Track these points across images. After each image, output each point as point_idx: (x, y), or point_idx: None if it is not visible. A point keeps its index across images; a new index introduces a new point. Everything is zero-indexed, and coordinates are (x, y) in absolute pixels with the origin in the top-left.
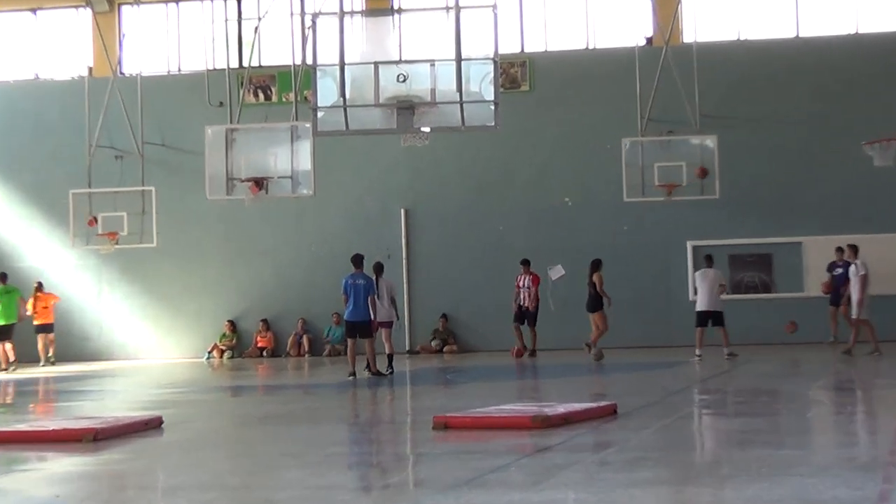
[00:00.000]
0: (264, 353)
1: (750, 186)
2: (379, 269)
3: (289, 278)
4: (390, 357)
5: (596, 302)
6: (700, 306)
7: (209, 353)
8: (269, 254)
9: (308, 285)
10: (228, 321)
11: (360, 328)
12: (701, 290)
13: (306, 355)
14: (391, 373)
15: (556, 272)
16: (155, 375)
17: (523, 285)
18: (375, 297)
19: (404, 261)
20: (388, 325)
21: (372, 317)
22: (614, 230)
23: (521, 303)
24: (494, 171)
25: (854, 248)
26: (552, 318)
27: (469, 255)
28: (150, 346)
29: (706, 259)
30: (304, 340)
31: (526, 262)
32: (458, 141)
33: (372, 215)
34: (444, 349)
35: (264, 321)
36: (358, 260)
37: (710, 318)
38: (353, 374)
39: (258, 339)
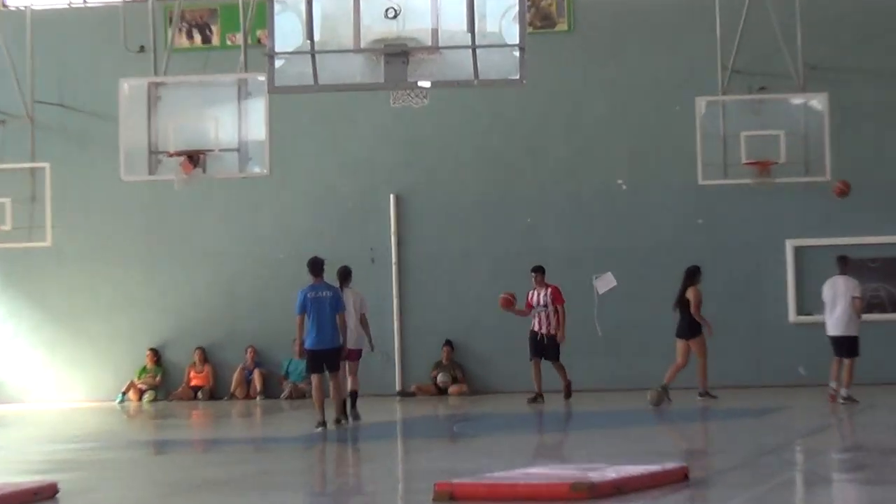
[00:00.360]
0: (199, 395)
1: (873, 165)
2: (345, 276)
3: (235, 292)
4: (354, 396)
5: (692, 325)
6: (831, 329)
7: (124, 393)
8: (209, 257)
9: (261, 302)
10: (151, 350)
11: (329, 358)
12: (831, 307)
13: (258, 397)
14: (357, 419)
15: (606, 283)
16: (49, 425)
17: (538, 304)
18: (345, 314)
19: (394, 266)
20: (358, 354)
21: (342, 341)
22: (685, 224)
23: (537, 328)
24: (519, 143)
25: None
26: (599, 346)
27: (484, 259)
28: (43, 384)
29: (839, 263)
30: (256, 377)
31: (539, 271)
32: (469, 101)
33: (350, 204)
34: (450, 389)
35: (200, 350)
36: (317, 266)
37: (844, 346)
38: (324, 423)
39: (191, 375)
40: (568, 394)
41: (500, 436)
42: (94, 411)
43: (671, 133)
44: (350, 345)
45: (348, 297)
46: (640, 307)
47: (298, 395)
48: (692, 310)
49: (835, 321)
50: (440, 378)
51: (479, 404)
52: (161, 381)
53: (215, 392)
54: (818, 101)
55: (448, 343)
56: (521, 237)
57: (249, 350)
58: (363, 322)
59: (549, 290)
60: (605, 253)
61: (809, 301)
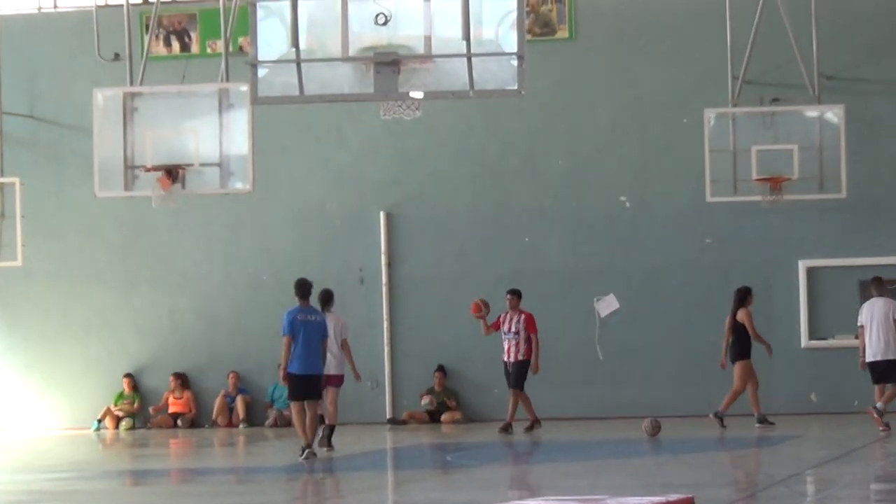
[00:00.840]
0: (179, 422)
1: (892, 181)
2: (327, 299)
3: (216, 314)
4: (332, 430)
5: (741, 349)
6: (871, 355)
7: (99, 421)
8: (188, 278)
9: (243, 325)
10: (127, 376)
11: (314, 385)
12: (871, 331)
13: (241, 425)
14: (330, 450)
15: (608, 305)
16: (22, 454)
17: (509, 330)
18: (327, 341)
19: (384, 287)
20: (340, 381)
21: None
22: (692, 244)
23: (506, 357)
24: (517, 157)
25: None
26: (600, 371)
27: (480, 281)
28: (13, 411)
29: (874, 284)
30: (238, 404)
31: (515, 294)
32: (464, 113)
33: (338, 222)
34: (443, 417)
35: (176, 377)
36: (305, 289)
37: (887, 371)
38: (311, 450)
39: (170, 401)
40: (531, 427)
41: (497, 466)
42: (68, 439)
43: (678, 147)
44: (332, 370)
45: (330, 321)
46: (644, 331)
47: (284, 422)
48: (750, 332)
49: (877, 344)
50: (423, 403)
51: (473, 433)
52: (139, 408)
53: (196, 419)
54: (834, 114)
55: (440, 369)
56: (519, 257)
57: (231, 376)
58: (345, 348)
59: (524, 316)
60: (607, 274)
61: (823, 325)
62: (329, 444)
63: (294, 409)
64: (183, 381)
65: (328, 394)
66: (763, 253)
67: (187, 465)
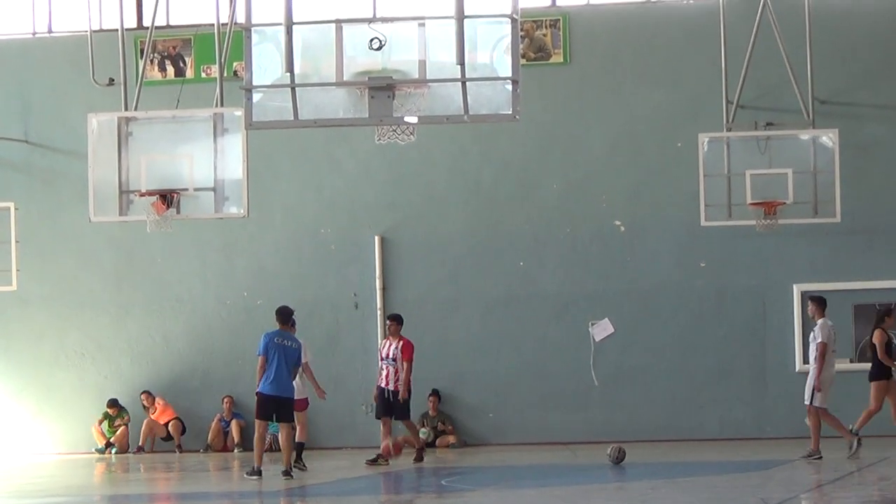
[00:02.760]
0: (170, 428)
1: (887, 205)
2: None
3: (211, 338)
4: (301, 447)
5: (879, 369)
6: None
7: (109, 444)
8: (183, 302)
9: (238, 349)
10: (111, 402)
11: (283, 407)
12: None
13: (236, 449)
14: (303, 470)
15: (603, 330)
16: (13, 479)
17: (387, 356)
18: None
19: (378, 312)
20: (305, 404)
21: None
22: (687, 268)
23: (384, 384)
24: (512, 181)
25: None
26: (595, 396)
27: (474, 305)
28: (7, 435)
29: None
30: (233, 428)
31: (395, 320)
32: (458, 137)
33: (332, 246)
34: (437, 441)
35: (148, 394)
36: (287, 315)
37: None
38: (259, 472)
39: (152, 415)
40: (419, 457)
41: (491, 490)
42: (63, 463)
43: (672, 171)
44: (297, 395)
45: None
46: (639, 355)
47: (279, 447)
48: (878, 353)
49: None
50: (422, 433)
51: (468, 457)
52: (125, 433)
53: (185, 441)
54: (829, 138)
55: (435, 393)
56: (513, 281)
57: (226, 400)
58: (307, 370)
59: (402, 343)
60: (601, 298)
61: None
62: (299, 461)
63: (259, 429)
64: (149, 395)
65: (296, 418)
66: (757, 277)
67: (182, 490)
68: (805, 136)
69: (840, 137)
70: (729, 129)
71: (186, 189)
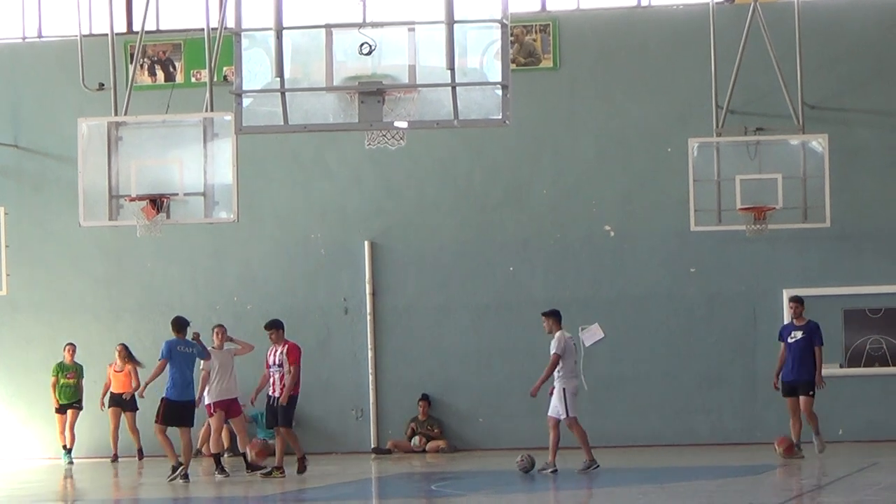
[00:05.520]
0: (124, 405)
1: (876, 210)
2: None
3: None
4: (218, 457)
5: None
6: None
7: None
8: (173, 307)
9: None
10: (69, 344)
11: (186, 411)
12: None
13: (225, 454)
14: (225, 475)
15: (592, 335)
16: (3, 485)
17: (274, 363)
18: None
19: (368, 317)
20: (238, 410)
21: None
22: (677, 273)
23: (272, 391)
24: (502, 186)
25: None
26: (586, 401)
27: (464, 310)
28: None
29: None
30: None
31: (273, 327)
32: (448, 142)
33: (322, 252)
34: (428, 446)
35: (125, 347)
36: (182, 325)
37: None
38: (180, 466)
39: (111, 375)
40: (301, 468)
41: (481, 495)
42: (52, 469)
43: (662, 176)
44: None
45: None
46: (629, 360)
47: (269, 451)
48: None
49: None
50: (413, 442)
51: (458, 462)
52: (80, 384)
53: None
54: (818, 143)
55: (425, 398)
56: (503, 287)
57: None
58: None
59: (287, 347)
60: (591, 303)
61: None
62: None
63: (159, 430)
64: (128, 353)
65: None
66: (747, 282)
67: (173, 496)
68: (795, 141)
69: (829, 143)
70: (719, 135)
71: (176, 194)
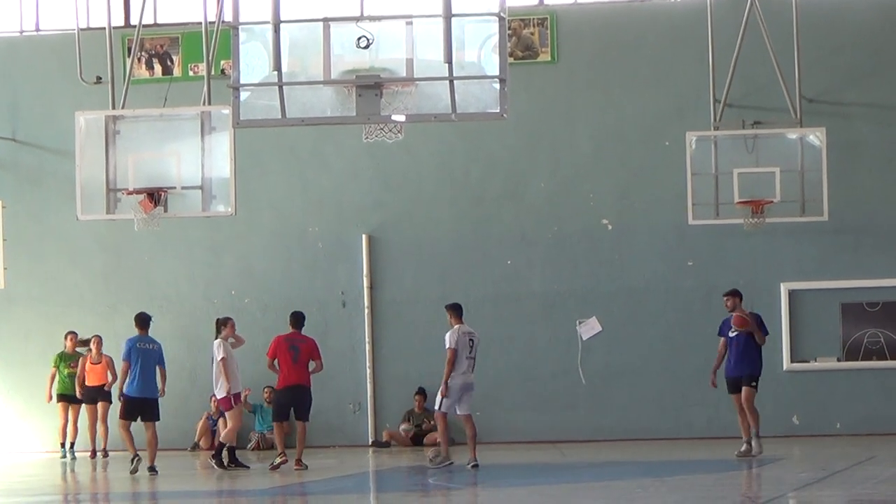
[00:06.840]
0: (99, 399)
1: (874, 204)
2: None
3: (198, 337)
4: (221, 448)
5: None
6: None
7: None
8: (171, 301)
9: None
10: (70, 333)
11: (149, 407)
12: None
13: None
14: (219, 467)
15: (590, 328)
16: (1, 478)
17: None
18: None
19: (366, 311)
20: (229, 403)
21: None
22: (674, 267)
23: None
24: (500, 180)
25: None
26: (583, 394)
27: (461, 303)
28: None
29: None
30: (221, 426)
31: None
32: (446, 136)
33: (320, 245)
34: (425, 439)
35: (100, 339)
36: (145, 321)
37: None
38: (138, 457)
39: (87, 368)
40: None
41: (478, 488)
42: (50, 463)
43: (660, 170)
44: (218, 394)
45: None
46: (626, 353)
47: (267, 445)
48: None
49: None
50: (403, 428)
51: (455, 455)
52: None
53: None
54: (816, 137)
55: (421, 391)
56: (501, 280)
57: (214, 398)
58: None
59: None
60: (589, 296)
61: (804, 347)
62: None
63: (124, 427)
64: (101, 344)
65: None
66: (745, 275)
67: (171, 489)
68: (792, 134)
69: (827, 136)
70: (716, 128)
71: (174, 187)
